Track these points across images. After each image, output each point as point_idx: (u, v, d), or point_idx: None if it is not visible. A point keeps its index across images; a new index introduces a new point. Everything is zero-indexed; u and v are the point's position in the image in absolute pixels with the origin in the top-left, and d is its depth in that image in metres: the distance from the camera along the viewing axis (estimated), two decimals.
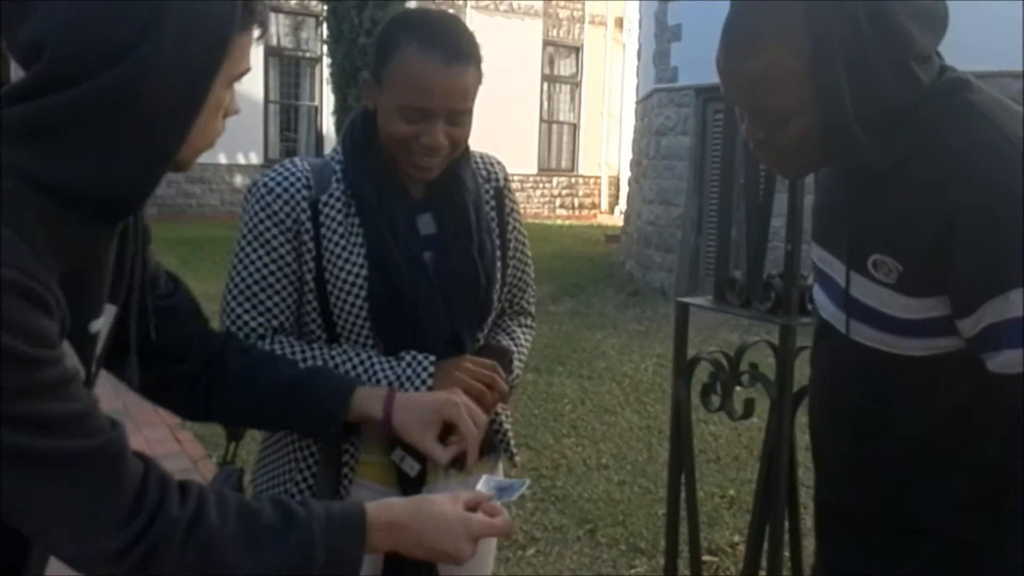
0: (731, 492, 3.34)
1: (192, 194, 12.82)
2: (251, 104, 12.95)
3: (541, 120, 15.77)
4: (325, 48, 9.30)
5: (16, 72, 0.77)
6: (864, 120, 0.92)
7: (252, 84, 12.86)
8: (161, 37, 0.75)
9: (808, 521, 1.78)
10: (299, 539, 0.81)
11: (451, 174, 1.27)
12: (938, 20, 0.94)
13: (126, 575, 0.75)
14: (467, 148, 1.30)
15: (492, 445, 1.36)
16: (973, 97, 0.94)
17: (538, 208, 15.51)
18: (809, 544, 1.87)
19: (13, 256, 0.70)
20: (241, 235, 1.24)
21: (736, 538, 2.93)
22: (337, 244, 1.22)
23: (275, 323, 1.23)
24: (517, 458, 1.42)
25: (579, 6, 15.93)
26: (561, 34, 15.92)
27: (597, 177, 16.47)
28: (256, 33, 0.85)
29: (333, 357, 1.22)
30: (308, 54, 13.54)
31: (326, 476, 1.23)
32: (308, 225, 1.22)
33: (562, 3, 15.74)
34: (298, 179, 1.23)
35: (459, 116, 1.19)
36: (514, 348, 1.37)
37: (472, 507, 0.94)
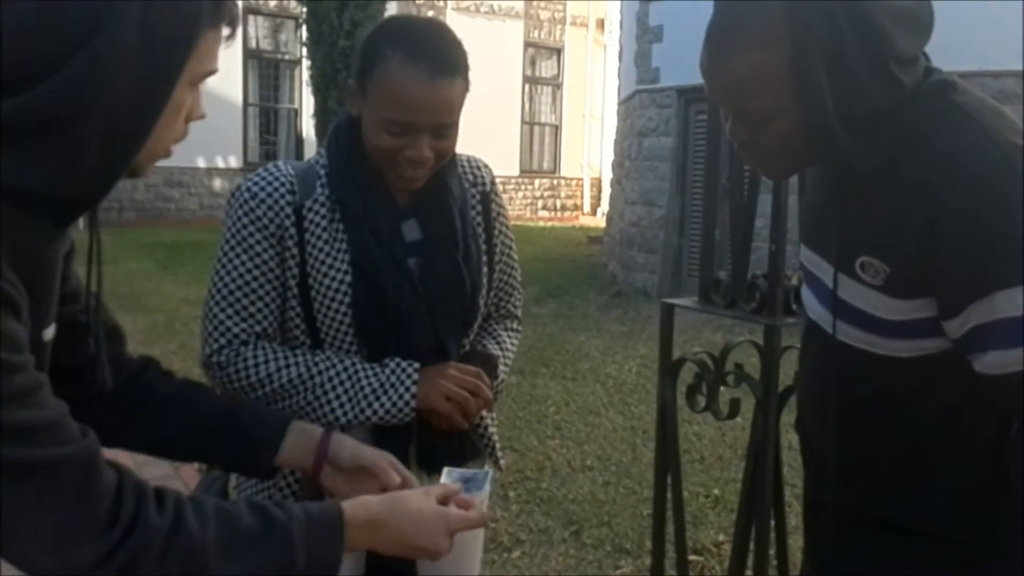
0: (715, 491, 3.35)
1: (171, 198, 12.70)
2: (230, 107, 12.88)
3: (523, 122, 15.78)
4: (304, 50, 9.26)
5: None
6: (846, 121, 0.92)
7: (231, 87, 12.79)
8: (118, 29, 0.71)
9: (792, 520, 1.79)
10: (279, 542, 0.80)
11: (437, 180, 1.26)
12: (922, 22, 0.94)
13: None
14: (453, 151, 1.29)
15: (477, 449, 1.35)
16: (958, 98, 0.95)
17: (520, 210, 15.52)
18: (794, 542, 1.87)
19: None
20: (224, 240, 1.22)
21: (721, 537, 2.94)
22: (321, 250, 1.21)
23: (258, 329, 1.21)
24: (502, 461, 1.42)
25: (560, 7, 15.97)
26: (542, 36, 15.95)
27: (579, 179, 16.51)
28: (225, 32, 0.82)
29: (317, 363, 1.21)
30: (287, 56, 13.47)
31: (309, 482, 1.21)
32: (292, 231, 1.20)
33: (543, 4, 15.77)
34: (282, 184, 1.22)
35: (445, 129, 1.17)
36: (499, 353, 1.36)
37: (443, 501, 0.93)
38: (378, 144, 1.17)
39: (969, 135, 0.91)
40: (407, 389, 1.18)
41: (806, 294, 1.13)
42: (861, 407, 1.04)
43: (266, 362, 1.20)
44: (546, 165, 16.35)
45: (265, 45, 13.41)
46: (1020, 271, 0.87)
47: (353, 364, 1.21)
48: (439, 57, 1.14)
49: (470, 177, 1.34)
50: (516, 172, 15.51)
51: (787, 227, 1.52)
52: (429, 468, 1.26)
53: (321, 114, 8.66)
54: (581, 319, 6.77)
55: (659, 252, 7.89)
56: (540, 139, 16.27)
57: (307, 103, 11.03)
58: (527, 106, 15.93)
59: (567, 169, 16.46)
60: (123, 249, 8.91)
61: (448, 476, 1.01)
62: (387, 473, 1.03)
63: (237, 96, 12.93)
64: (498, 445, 1.40)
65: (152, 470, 3.48)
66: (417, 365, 1.20)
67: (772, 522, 1.64)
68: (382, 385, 1.19)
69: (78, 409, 1.01)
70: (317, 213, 1.22)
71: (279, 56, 13.50)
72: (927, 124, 0.94)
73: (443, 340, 1.25)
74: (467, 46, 1.22)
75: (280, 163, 1.26)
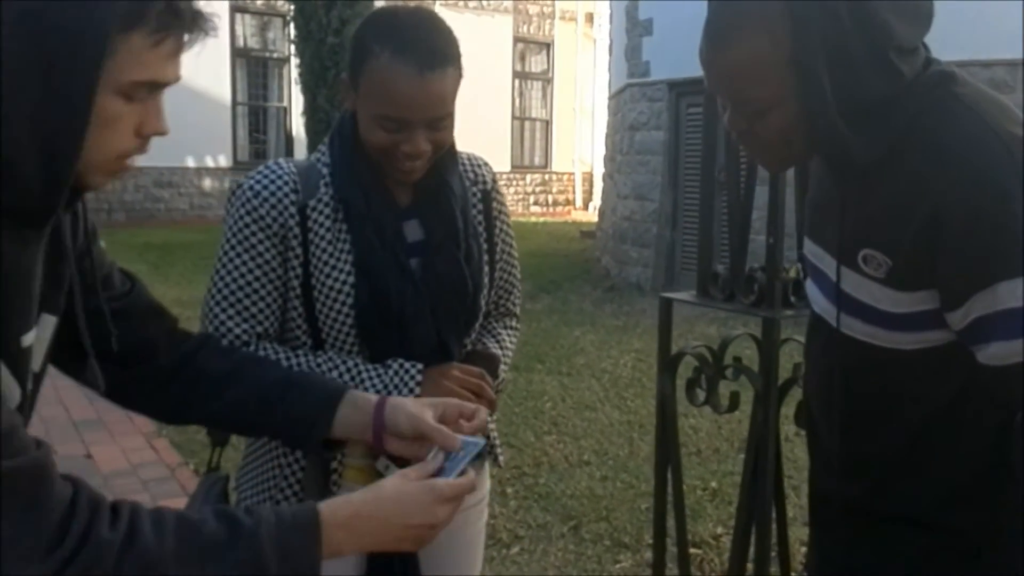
0: (713, 484, 3.36)
1: (160, 198, 12.63)
2: (219, 106, 12.81)
3: (513, 117, 15.76)
4: (293, 48, 9.20)
5: None
6: (845, 111, 0.92)
7: (219, 86, 12.71)
8: None
9: (789, 511, 1.79)
10: (246, 548, 0.76)
11: (438, 179, 1.25)
12: (922, 12, 0.94)
13: None
14: (454, 149, 1.28)
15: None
16: (959, 90, 0.95)
17: (512, 205, 15.38)
18: (792, 534, 1.87)
19: None
20: (225, 239, 1.21)
21: (719, 530, 2.95)
22: (324, 251, 1.20)
23: (259, 329, 1.20)
24: (501, 458, 1.41)
25: (549, 2, 15.94)
26: (531, 30, 15.91)
27: (571, 173, 16.50)
28: (166, 40, 0.75)
29: (319, 364, 1.20)
30: (276, 54, 13.40)
31: (312, 482, 1.20)
32: (296, 230, 1.19)
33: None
34: (285, 183, 1.20)
35: (440, 121, 1.16)
36: (500, 352, 1.35)
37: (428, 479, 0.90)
38: (373, 140, 1.16)
39: (970, 127, 0.91)
40: (411, 390, 1.17)
41: (810, 287, 1.13)
42: (866, 400, 1.04)
43: (267, 358, 1.19)
44: (537, 160, 16.33)
45: (253, 43, 13.33)
46: (1021, 262, 0.87)
47: (356, 365, 1.20)
48: (427, 50, 1.12)
49: (471, 175, 1.33)
50: (507, 167, 15.49)
51: (785, 220, 1.52)
52: None
53: (311, 112, 8.60)
54: (575, 314, 6.77)
55: (652, 246, 7.90)
56: (531, 134, 16.25)
57: (296, 101, 10.98)
58: (517, 101, 15.90)
59: (558, 164, 16.44)
60: (113, 250, 8.77)
61: (434, 455, 0.98)
62: (448, 439, 0.97)
63: (226, 95, 12.85)
64: (498, 442, 1.40)
65: (149, 472, 3.47)
66: (420, 366, 1.19)
67: (773, 514, 1.64)
68: (385, 386, 1.18)
69: (135, 389, 1.02)
70: (321, 213, 1.20)
71: (267, 54, 13.43)
72: (927, 116, 0.94)
73: (445, 341, 1.24)
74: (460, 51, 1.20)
75: (281, 161, 1.25)
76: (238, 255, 1.19)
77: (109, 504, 0.75)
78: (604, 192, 10.09)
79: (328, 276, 1.19)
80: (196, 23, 0.78)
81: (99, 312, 0.91)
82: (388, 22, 1.16)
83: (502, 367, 1.34)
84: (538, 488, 3.34)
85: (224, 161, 13.02)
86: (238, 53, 13.01)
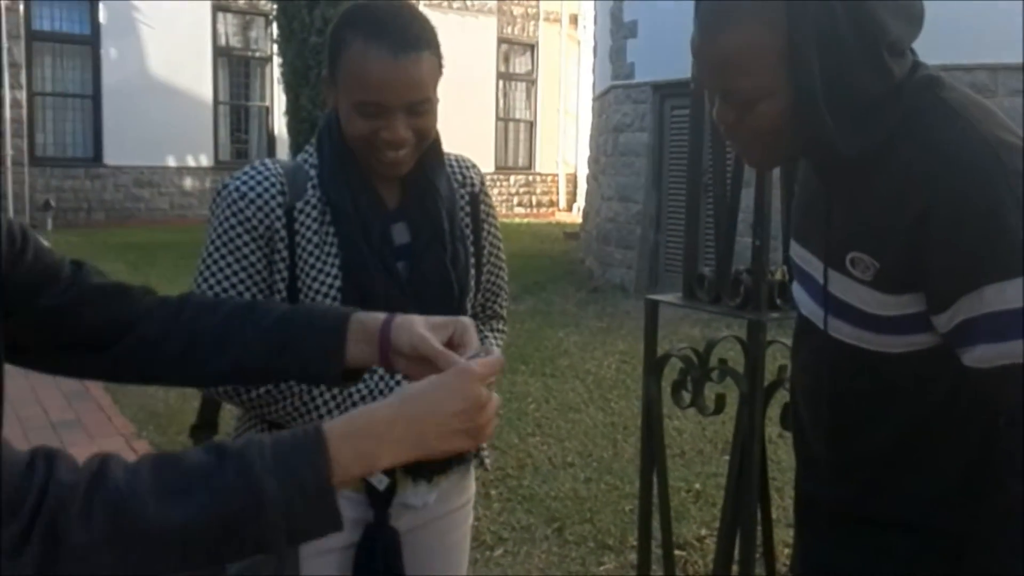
0: (697, 486, 3.37)
1: (140, 198, 12.50)
2: (200, 105, 12.70)
3: (497, 118, 15.75)
4: (275, 47, 9.14)
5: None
6: (833, 106, 0.92)
7: (201, 85, 12.61)
8: None
9: (773, 513, 1.79)
10: (235, 473, 0.67)
11: (425, 181, 1.24)
12: (915, 16, 0.94)
13: (42, 555, 0.64)
14: (441, 151, 1.27)
15: (461, 454, 1.33)
16: (946, 95, 0.95)
17: (496, 206, 15.49)
18: (775, 536, 1.88)
19: None
20: (209, 240, 1.19)
21: (703, 532, 2.95)
22: (311, 253, 1.19)
23: None
24: (488, 461, 1.40)
25: (533, 3, 15.95)
26: (516, 31, 15.92)
27: (555, 175, 16.52)
28: None
29: None
30: (258, 54, 13.31)
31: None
32: (283, 232, 1.17)
33: (516, 0, 15.74)
34: (272, 184, 1.19)
35: (419, 106, 1.15)
36: None
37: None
38: (354, 130, 1.15)
39: (957, 131, 0.91)
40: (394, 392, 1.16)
41: (797, 290, 1.13)
42: (853, 402, 1.04)
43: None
44: (521, 161, 16.33)
45: (235, 43, 13.23)
46: (1008, 265, 0.87)
47: None
48: (400, 34, 1.12)
49: (459, 177, 1.32)
50: (491, 168, 15.48)
51: (770, 222, 1.52)
52: (415, 474, 1.24)
53: (293, 112, 8.55)
54: (559, 315, 6.77)
55: (636, 248, 7.92)
56: (515, 135, 16.24)
57: (279, 101, 10.91)
58: (501, 102, 15.90)
59: (542, 165, 16.45)
60: (92, 250, 8.76)
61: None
62: (451, 362, 0.86)
63: (207, 94, 12.75)
64: (484, 444, 1.39)
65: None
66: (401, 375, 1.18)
67: (758, 516, 1.64)
68: (371, 392, 1.17)
69: (128, 365, 0.97)
70: (308, 215, 1.19)
71: (249, 53, 13.34)
72: (915, 120, 0.94)
73: None
74: (440, 42, 1.20)
75: (268, 161, 1.23)
76: (222, 256, 1.17)
77: (68, 454, 0.69)
78: (588, 193, 10.10)
79: (315, 280, 1.18)
80: None
81: (55, 309, 0.89)
82: (362, 12, 1.16)
83: None
84: (522, 490, 3.33)
85: (205, 161, 12.91)
86: (220, 52, 12.92)
